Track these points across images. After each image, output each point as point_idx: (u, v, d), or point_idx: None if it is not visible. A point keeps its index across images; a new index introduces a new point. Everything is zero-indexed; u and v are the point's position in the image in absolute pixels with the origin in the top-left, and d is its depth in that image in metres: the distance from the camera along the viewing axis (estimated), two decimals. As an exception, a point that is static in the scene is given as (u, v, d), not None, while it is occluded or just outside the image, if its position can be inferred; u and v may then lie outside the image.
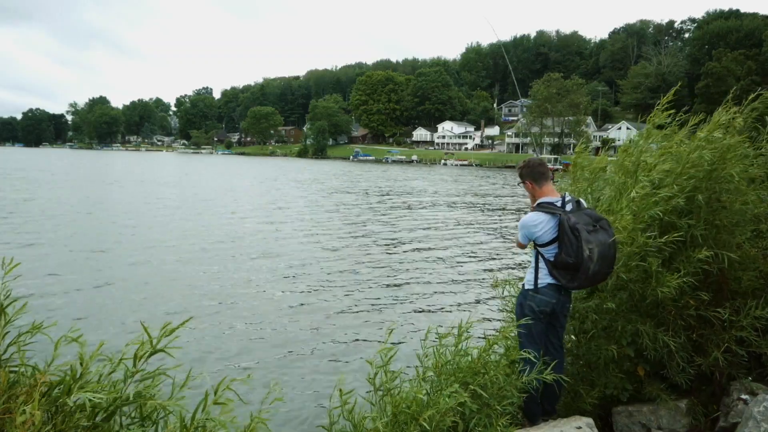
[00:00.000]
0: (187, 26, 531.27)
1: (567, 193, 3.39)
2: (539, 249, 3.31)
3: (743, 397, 3.40)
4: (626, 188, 3.65)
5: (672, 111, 3.91)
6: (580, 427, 3.22)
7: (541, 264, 3.29)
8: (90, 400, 1.60)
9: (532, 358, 3.05)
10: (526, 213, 3.47)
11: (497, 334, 3.24)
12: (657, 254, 3.38)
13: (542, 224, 3.27)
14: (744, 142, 3.71)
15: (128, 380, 1.77)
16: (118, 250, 13.59)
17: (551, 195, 3.35)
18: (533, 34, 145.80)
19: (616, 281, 3.48)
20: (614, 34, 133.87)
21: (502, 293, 4.22)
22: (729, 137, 3.62)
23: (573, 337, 3.82)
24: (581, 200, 3.38)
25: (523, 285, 3.41)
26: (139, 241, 14.98)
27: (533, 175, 3.42)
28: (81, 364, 1.71)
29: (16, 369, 1.72)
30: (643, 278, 3.43)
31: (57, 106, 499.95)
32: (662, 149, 3.74)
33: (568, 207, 3.26)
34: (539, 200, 3.37)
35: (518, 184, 3.61)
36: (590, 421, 3.32)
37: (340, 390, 2.60)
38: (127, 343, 1.83)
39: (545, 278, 3.28)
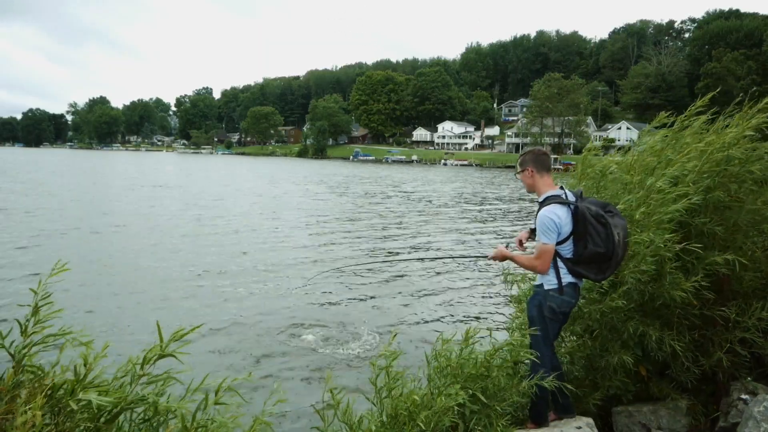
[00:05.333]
0: (183, 23, 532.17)
1: (563, 186, 3.29)
2: (556, 247, 3.12)
3: (743, 397, 3.40)
4: (642, 186, 3.63)
5: (703, 117, 3.89)
6: (580, 427, 3.22)
7: (559, 263, 3.14)
8: (95, 401, 1.60)
9: (536, 361, 3.02)
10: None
11: (506, 331, 3.21)
12: (671, 252, 3.33)
13: (565, 217, 3.08)
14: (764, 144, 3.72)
15: (134, 383, 1.77)
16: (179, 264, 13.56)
17: (552, 188, 3.23)
18: (533, 34, 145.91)
19: (629, 281, 3.43)
20: (614, 34, 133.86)
21: (511, 288, 4.19)
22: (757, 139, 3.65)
23: (575, 337, 3.82)
24: (581, 190, 3.30)
25: (541, 285, 3.19)
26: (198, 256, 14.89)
27: (536, 162, 3.26)
28: (85, 365, 1.71)
29: (24, 370, 1.72)
30: (654, 279, 3.39)
31: (54, 105, 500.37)
32: (687, 147, 3.73)
33: (571, 199, 3.16)
34: (548, 193, 3.19)
35: (516, 174, 3.41)
36: (590, 421, 3.31)
37: (331, 390, 2.59)
38: (144, 350, 1.85)
39: (566, 277, 3.14)
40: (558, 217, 3.06)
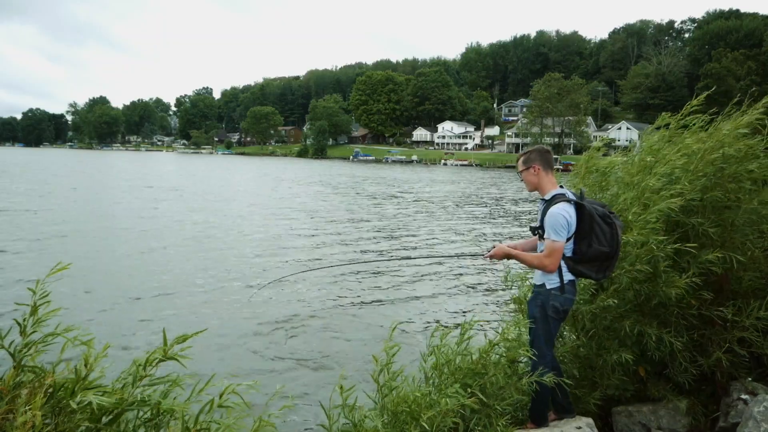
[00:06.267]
0: (183, 23, 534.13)
1: (563, 185, 3.29)
2: None
3: (743, 397, 3.40)
4: (640, 184, 3.63)
5: (703, 116, 3.88)
6: (580, 427, 3.22)
7: (561, 262, 3.12)
8: (96, 401, 1.61)
9: (536, 361, 3.02)
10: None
11: (498, 334, 3.20)
12: (664, 253, 3.33)
13: (573, 216, 3.08)
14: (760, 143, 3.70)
15: (136, 384, 1.77)
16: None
17: (556, 187, 3.23)
18: (533, 34, 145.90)
19: (623, 281, 3.44)
20: (614, 34, 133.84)
21: (511, 288, 4.17)
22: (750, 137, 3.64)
23: (574, 337, 3.81)
24: (583, 190, 3.29)
25: (543, 285, 3.18)
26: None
27: (542, 159, 3.23)
28: (85, 365, 1.71)
29: (24, 369, 1.73)
30: (649, 278, 3.40)
31: (53, 105, 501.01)
32: (679, 144, 3.72)
33: (573, 198, 3.16)
34: (555, 192, 3.18)
35: (519, 172, 3.33)
36: (590, 421, 3.31)
37: (341, 387, 2.59)
38: (146, 352, 1.86)
39: (566, 275, 3.14)
40: (569, 215, 3.06)
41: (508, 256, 3.24)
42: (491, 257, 3.28)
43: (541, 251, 3.17)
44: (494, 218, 23.37)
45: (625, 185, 3.82)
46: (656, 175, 3.49)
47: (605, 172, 4.07)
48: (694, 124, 3.91)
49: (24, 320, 1.77)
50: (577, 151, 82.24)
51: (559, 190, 3.20)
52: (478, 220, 22.49)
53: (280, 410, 2.02)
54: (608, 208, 3.20)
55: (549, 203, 3.15)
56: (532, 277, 4.02)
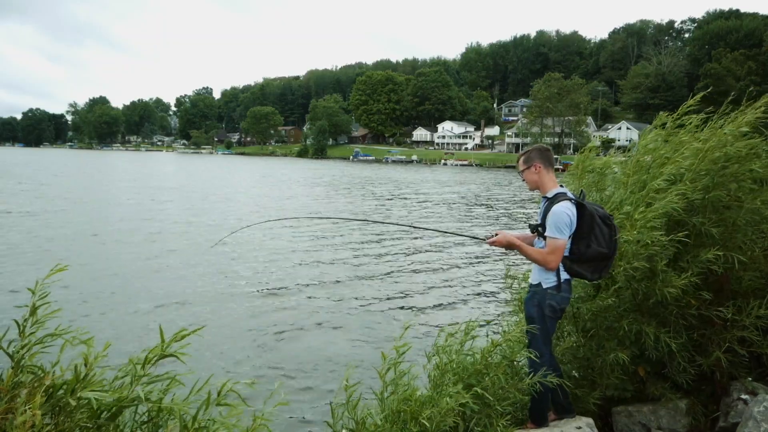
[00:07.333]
0: (183, 23, 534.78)
1: (562, 185, 3.29)
2: None
3: (743, 397, 3.40)
4: (640, 185, 3.63)
5: (699, 115, 3.86)
6: (580, 427, 3.22)
7: None
8: (96, 399, 1.61)
9: (535, 359, 3.02)
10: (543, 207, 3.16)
11: (502, 334, 3.19)
12: (663, 252, 3.32)
13: (575, 215, 3.06)
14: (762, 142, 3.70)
15: (135, 383, 1.77)
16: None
17: (556, 185, 3.21)
18: (533, 34, 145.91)
19: (620, 280, 3.44)
20: (614, 34, 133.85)
21: (511, 286, 4.17)
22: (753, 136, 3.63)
23: (573, 337, 3.81)
24: (583, 191, 3.28)
25: (539, 285, 3.16)
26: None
27: (543, 158, 3.22)
28: (85, 364, 1.71)
29: (23, 370, 1.72)
30: (647, 277, 3.40)
31: (53, 105, 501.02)
32: (680, 144, 3.72)
33: (573, 197, 3.15)
34: (557, 190, 3.17)
35: (520, 172, 3.32)
36: (590, 421, 3.31)
37: (346, 384, 2.60)
38: (144, 350, 1.86)
39: (563, 274, 3.12)
40: (573, 214, 3.05)
41: (511, 246, 3.17)
42: (493, 244, 3.20)
43: (541, 248, 3.16)
44: (515, 221, 23.28)
45: (622, 185, 3.82)
46: (663, 175, 3.49)
47: (602, 172, 4.07)
48: (690, 123, 3.90)
49: (24, 321, 1.76)
50: (577, 151, 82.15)
51: (560, 189, 3.19)
52: (495, 222, 22.48)
53: (275, 407, 2.02)
54: (606, 210, 3.20)
55: (551, 201, 3.12)
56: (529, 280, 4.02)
